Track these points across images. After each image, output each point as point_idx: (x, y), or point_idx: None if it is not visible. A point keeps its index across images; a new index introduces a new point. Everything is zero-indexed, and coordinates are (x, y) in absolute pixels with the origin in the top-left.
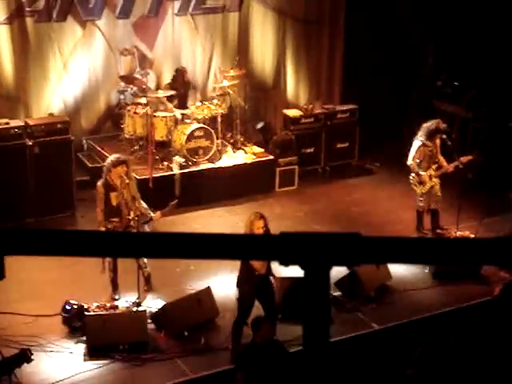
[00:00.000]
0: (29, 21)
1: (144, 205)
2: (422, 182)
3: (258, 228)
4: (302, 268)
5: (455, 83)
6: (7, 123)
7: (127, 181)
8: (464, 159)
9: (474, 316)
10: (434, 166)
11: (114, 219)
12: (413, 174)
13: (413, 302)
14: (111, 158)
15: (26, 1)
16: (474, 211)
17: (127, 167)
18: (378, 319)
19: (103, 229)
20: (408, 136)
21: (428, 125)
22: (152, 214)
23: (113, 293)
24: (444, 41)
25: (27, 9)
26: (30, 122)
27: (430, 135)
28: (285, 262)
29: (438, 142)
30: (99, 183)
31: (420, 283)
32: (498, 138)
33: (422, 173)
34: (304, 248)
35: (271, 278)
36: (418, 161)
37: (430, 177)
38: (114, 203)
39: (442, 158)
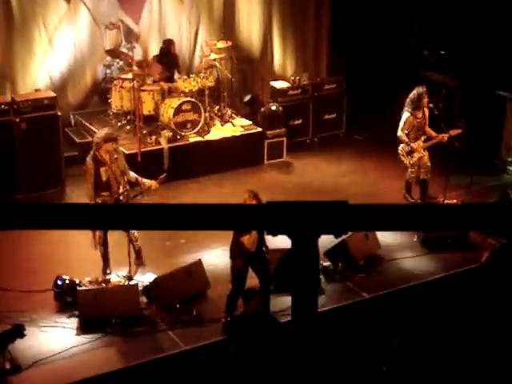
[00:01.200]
0: None
1: (135, 175)
2: (410, 153)
3: None
4: (290, 237)
5: (441, 52)
6: None
7: (116, 156)
8: (453, 132)
9: (462, 283)
10: (422, 138)
11: (103, 193)
12: (402, 145)
13: (402, 271)
14: (101, 133)
15: None
16: (460, 180)
17: (116, 143)
18: (368, 288)
19: (93, 203)
20: (395, 106)
21: (410, 95)
22: (147, 181)
23: (104, 267)
24: (429, 10)
25: None
26: (17, 98)
27: (415, 104)
28: (273, 232)
29: (426, 112)
30: (88, 158)
31: (409, 252)
32: (485, 106)
33: (412, 144)
34: (291, 217)
35: (264, 248)
36: (406, 132)
37: (419, 148)
38: (104, 178)
39: (429, 129)
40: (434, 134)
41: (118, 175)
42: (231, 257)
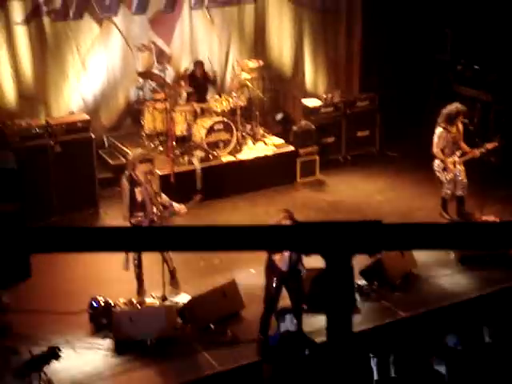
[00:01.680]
0: (46, 20)
1: (166, 198)
2: (445, 169)
3: None
4: (323, 257)
5: (475, 67)
6: (28, 123)
7: (149, 177)
8: (489, 145)
9: (502, 301)
10: (458, 153)
11: (138, 214)
12: (437, 161)
13: (439, 289)
14: (135, 153)
15: (43, 0)
16: (497, 195)
17: (152, 165)
18: (405, 307)
19: (129, 224)
20: (429, 122)
21: (447, 110)
22: (176, 206)
23: (139, 288)
24: (462, 24)
25: (44, 8)
26: (51, 122)
27: (451, 120)
28: (305, 252)
29: (460, 127)
30: (123, 178)
31: (446, 269)
32: None
33: (447, 159)
34: (324, 237)
35: (300, 268)
36: (441, 147)
37: (454, 163)
38: (139, 198)
39: (463, 144)
40: (467, 148)
41: (152, 196)
42: (265, 276)
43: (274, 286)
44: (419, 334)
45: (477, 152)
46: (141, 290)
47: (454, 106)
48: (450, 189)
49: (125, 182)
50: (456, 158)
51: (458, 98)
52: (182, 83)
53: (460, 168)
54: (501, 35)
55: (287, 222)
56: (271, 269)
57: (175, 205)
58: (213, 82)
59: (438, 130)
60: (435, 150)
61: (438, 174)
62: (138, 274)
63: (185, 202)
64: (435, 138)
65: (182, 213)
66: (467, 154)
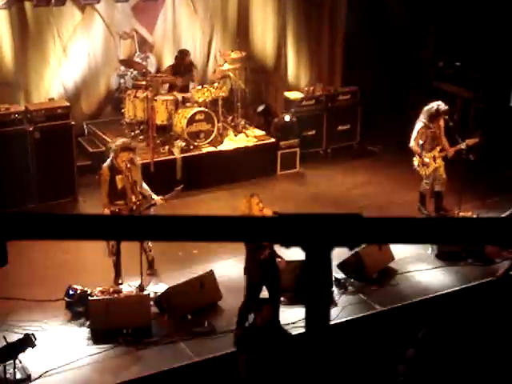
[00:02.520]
0: (27, 5)
1: (147, 189)
2: (425, 164)
3: (257, 203)
4: (303, 249)
5: (456, 63)
6: (7, 108)
7: (130, 165)
8: (470, 141)
9: (477, 297)
10: (438, 148)
11: (118, 202)
12: (416, 156)
13: (416, 283)
14: (119, 141)
15: None
16: (475, 192)
17: (133, 153)
18: (381, 301)
19: (108, 211)
20: (409, 117)
21: (429, 107)
22: (156, 198)
23: (116, 277)
24: (445, 21)
25: None
26: (31, 107)
27: (431, 118)
28: (286, 244)
29: (441, 123)
30: (105, 166)
31: (423, 264)
32: (500, 118)
33: (425, 154)
34: (304, 229)
35: (278, 260)
36: (420, 142)
37: (434, 158)
38: (119, 186)
39: (444, 140)
40: (447, 146)
41: (132, 185)
42: (245, 272)
43: (257, 282)
44: (395, 327)
45: (455, 148)
46: (117, 279)
47: (436, 104)
48: (429, 184)
49: (105, 169)
50: (436, 153)
51: (438, 94)
52: (165, 72)
53: (439, 163)
54: (483, 33)
55: (254, 200)
56: (253, 264)
57: (154, 196)
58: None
59: (418, 125)
60: (412, 143)
61: (417, 168)
62: (115, 263)
63: (164, 192)
64: (414, 132)
65: (158, 204)
66: (447, 149)
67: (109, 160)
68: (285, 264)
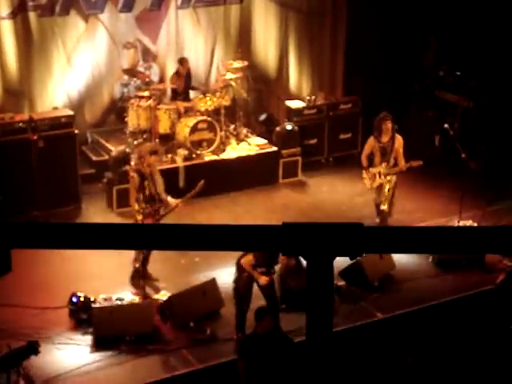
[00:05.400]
0: (32, 15)
1: (163, 191)
2: (370, 178)
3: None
4: (305, 258)
5: (457, 73)
6: (12, 117)
7: (152, 169)
8: (414, 163)
9: (477, 304)
10: (383, 164)
11: (147, 207)
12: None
13: (416, 291)
14: (145, 146)
15: None
16: (476, 200)
17: (159, 156)
18: (382, 308)
19: (140, 217)
20: (410, 126)
21: (377, 117)
22: (172, 201)
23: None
24: (446, 31)
25: (30, 3)
26: (35, 116)
27: (376, 127)
28: (288, 253)
29: (398, 139)
30: (133, 172)
31: (424, 272)
32: (500, 127)
33: (370, 169)
34: (307, 238)
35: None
36: (368, 154)
37: (380, 174)
38: (147, 191)
39: (401, 157)
40: (402, 163)
41: (156, 188)
42: (236, 273)
43: (243, 282)
44: (396, 335)
45: (403, 167)
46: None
47: (382, 113)
48: (376, 199)
49: (135, 175)
50: (381, 169)
51: (439, 103)
52: (168, 81)
53: (385, 180)
54: (483, 42)
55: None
56: (239, 269)
57: (170, 199)
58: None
59: (369, 138)
60: (362, 156)
61: (364, 180)
62: (139, 269)
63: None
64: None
65: (177, 207)
66: (396, 167)
67: (134, 166)
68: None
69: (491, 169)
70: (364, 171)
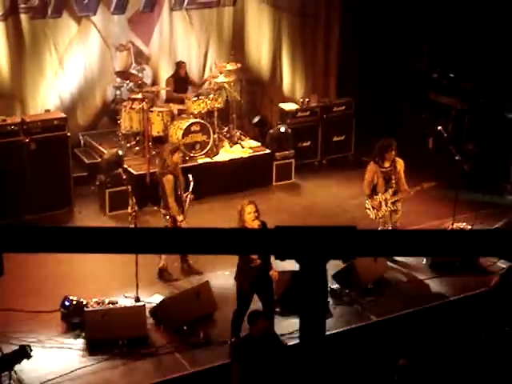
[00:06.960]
0: (24, 17)
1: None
2: (375, 207)
3: (249, 213)
4: (298, 262)
5: (451, 75)
6: (4, 120)
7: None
8: (426, 185)
9: (470, 307)
10: (390, 191)
11: (180, 206)
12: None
13: (410, 294)
14: (166, 146)
15: None
16: (470, 203)
17: (182, 153)
18: (376, 311)
19: (180, 218)
20: (404, 129)
21: (379, 143)
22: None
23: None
24: (439, 33)
25: (22, 5)
26: (27, 119)
27: (381, 153)
28: (280, 256)
29: (399, 165)
30: (168, 174)
31: (417, 275)
32: (494, 129)
33: (375, 197)
34: (299, 242)
35: (271, 272)
36: (370, 181)
37: (386, 202)
38: (179, 191)
39: (403, 183)
40: (406, 188)
41: (182, 187)
42: (236, 278)
43: (247, 289)
44: (391, 337)
45: (411, 192)
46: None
47: (387, 140)
48: (382, 225)
49: (170, 177)
50: (388, 196)
51: (432, 106)
52: (161, 84)
53: (390, 207)
54: (477, 44)
55: (250, 207)
56: (244, 270)
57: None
58: (193, 84)
59: (369, 164)
60: (364, 183)
61: (368, 211)
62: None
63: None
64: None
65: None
66: (402, 192)
67: (165, 169)
68: (277, 276)
69: (484, 171)
70: (368, 200)
